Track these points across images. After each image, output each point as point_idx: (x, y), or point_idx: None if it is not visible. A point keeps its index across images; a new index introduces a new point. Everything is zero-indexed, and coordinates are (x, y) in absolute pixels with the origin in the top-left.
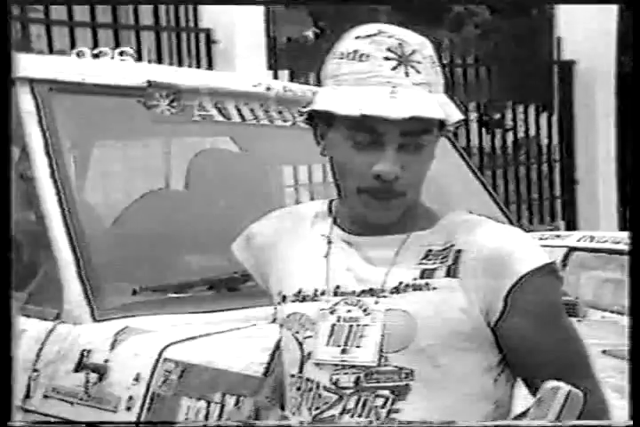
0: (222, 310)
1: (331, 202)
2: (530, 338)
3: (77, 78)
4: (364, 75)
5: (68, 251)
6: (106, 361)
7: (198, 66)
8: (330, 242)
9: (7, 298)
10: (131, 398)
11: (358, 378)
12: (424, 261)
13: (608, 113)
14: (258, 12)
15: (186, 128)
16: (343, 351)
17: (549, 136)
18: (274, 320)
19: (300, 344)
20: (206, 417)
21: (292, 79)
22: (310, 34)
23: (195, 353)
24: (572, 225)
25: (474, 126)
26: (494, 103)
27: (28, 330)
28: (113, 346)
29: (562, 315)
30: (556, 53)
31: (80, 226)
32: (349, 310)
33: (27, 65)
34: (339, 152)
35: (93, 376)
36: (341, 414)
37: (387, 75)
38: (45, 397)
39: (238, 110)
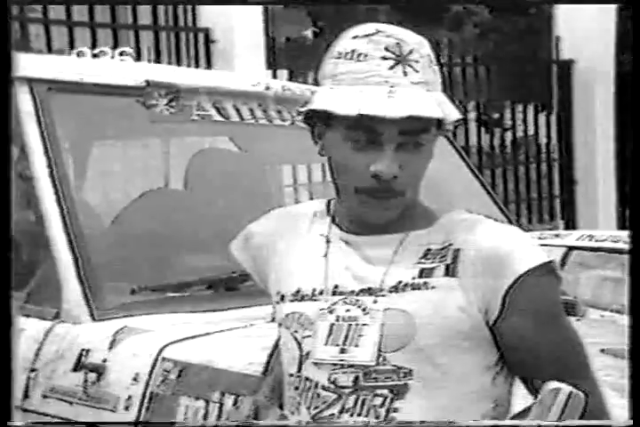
0: (221, 310)
1: (329, 201)
2: (528, 337)
3: (76, 78)
4: (362, 74)
5: (66, 250)
6: (104, 361)
7: (197, 65)
8: (328, 241)
9: (7, 298)
10: (129, 397)
11: (357, 377)
12: (423, 261)
13: (607, 112)
14: (257, 11)
15: (185, 128)
16: (342, 351)
17: (548, 135)
18: (272, 320)
19: (299, 344)
20: (205, 417)
21: (290, 79)
22: (309, 33)
23: (193, 353)
24: (570, 224)
25: (473, 126)
26: (493, 103)
27: (27, 329)
28: (112, 346)
29: (560, 314)
30: (555, 53)
31: (79, 225)
32: (348, 310)
33: (25, 65)
34: (337, 152)
35: (92, 376)
36: (340, 413)
37: (384, 74)
38: (44, 396)
39: (237, 110)
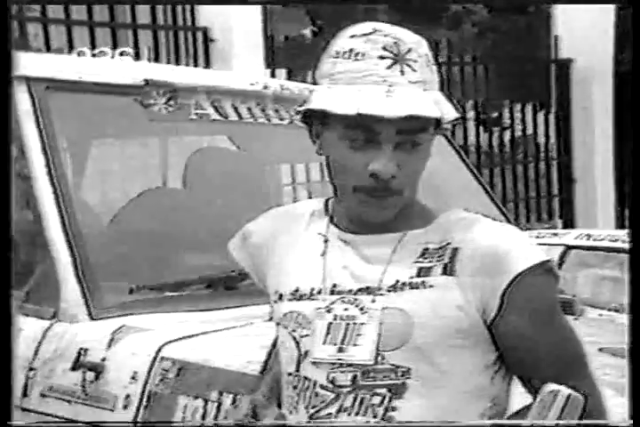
0: (219, 309)
1: (327, 200)
2: (526, 336)
3: (74, 77)
4: (360, 73)
5: (65, 249)
6: (103, 360)
7: (196, 64)
8: (326, 240)
9: (7, 297)
10: (128, 396)
11: (355, 376)
12: (420, 260)
13: (605, 111)
14: (255, 10)
15: (183, 127)
16: (340, 350)
17: (547, 134)
18: (270, 319)
19: (297, 343)
20: (203, 416)
21: (289, 78)
22: (308, 32)
23: (192, 351)
24: (569, 223)
25: (471, 125)
26: (492, 102)
27: (26, 329)
28: (110, 344)
29: (558, 313)
30: (554, 52)
31: (77, 225)
32: (346, 309)
33: (24, 63)
34: (335, 151)
35: (90, 375)
36: (338, 412)
37: (382, 73)
38: (42, 395)
39: (235, 109)
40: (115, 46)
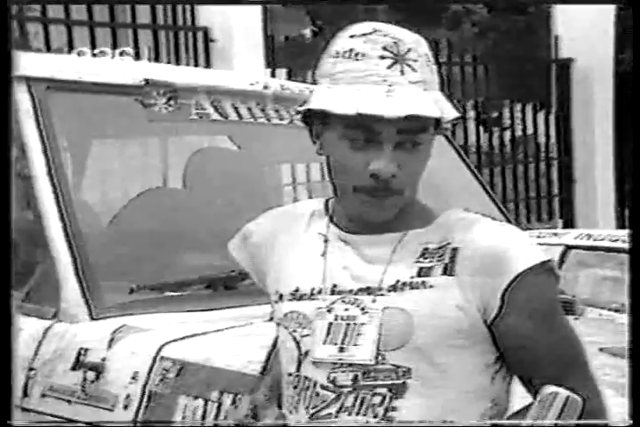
0: (220, 309)
1: (327, 200)
2: (526, 336)
3: (74, 77)
4: (360, 73)
5: (65, 249)
6: (103, 359)
7: (196, 64)
8: (326, 240)
9: (7, 297)
10: (128, 396)
11: (356, 376)
12: (421, 260)
13: (606, 111)
14: (255, 10)
15: (183, 127)
16: (340, 350)
17: (547, 134)
18: (270, 319)
19: (298, 343)
20: (203, 416)
21: (289, 77)
22: (308, 32)
23: (192, 351)
24: (569, 223)
25: (471, 125)
26: (492, 101)
27: (26, 329)
28: (110, 344)
29: (558, 313)
30: (554, 52)
31: (77, 224)
32: (347, 309)
33: (24, 63)
34: (335, 151)
35: (91, 375)
36: (339, 412)
37: (382, 73)
38: (43, 395)
39: (235, 109)
40: (115, 46)
